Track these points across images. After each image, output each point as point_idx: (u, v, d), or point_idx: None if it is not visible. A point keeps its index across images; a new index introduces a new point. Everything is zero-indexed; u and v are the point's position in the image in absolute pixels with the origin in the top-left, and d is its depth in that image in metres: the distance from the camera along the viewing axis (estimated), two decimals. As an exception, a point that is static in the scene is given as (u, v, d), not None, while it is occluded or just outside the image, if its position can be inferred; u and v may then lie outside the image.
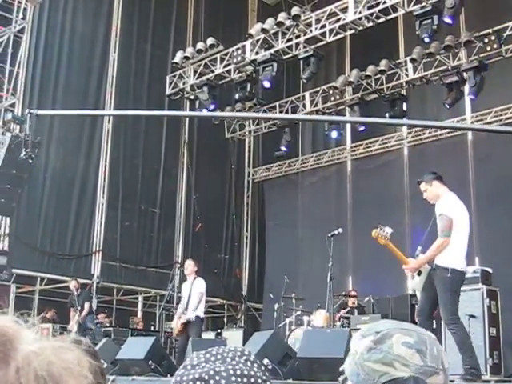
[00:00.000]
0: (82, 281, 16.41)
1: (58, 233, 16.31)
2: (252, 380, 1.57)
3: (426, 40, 13.81)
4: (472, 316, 9.17)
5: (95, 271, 16.89)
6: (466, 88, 14.95)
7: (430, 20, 13.35)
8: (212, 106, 17.40)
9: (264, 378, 1.60)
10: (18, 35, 15.70)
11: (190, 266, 11.91)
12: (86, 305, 13.99)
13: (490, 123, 15.99)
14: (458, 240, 7.21)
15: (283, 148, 18.75)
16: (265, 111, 19.20)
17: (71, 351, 1.01)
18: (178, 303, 15.01)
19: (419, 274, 7.39)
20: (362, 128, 17.46)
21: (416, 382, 1.45)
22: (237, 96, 17.27)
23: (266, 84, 15.93)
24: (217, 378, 1.54)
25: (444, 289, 7.16)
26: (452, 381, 7.24)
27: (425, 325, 7.15)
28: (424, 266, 7.31)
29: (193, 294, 11.53)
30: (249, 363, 1.60)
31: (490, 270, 10.25)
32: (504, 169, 14.84)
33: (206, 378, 1.54)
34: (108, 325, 15.80)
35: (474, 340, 8.79)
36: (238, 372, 1.56)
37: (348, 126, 18.30)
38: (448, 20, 13.23)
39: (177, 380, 1.57)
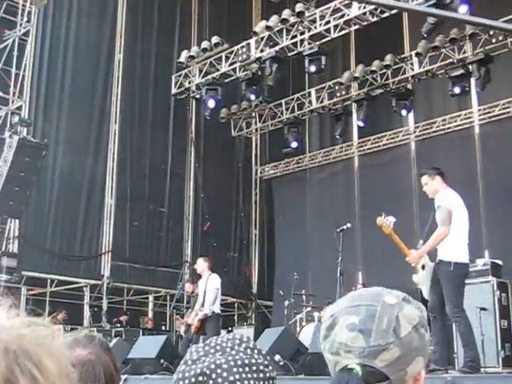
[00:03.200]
0: (92, 282, 16.50)
1: (67, 234, 16.35)
2: (254, 368, 1.57)
3: (424, 35, 13.91)
4: (483, 308, 9.15)
5: (105, 272, 16.92)
6: (473, 81, 14.93)
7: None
8: (213, 103, 17.29)
9: (266, 363, 1.60)
10: (23, 38, 15.74)
11: (200, 263, 11.95)
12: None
13: (497, 116, 15.96)
14: (458, 233, 7.31)
15: (293, 145, 18.72)
16: (271, 108, 19.20)
17: (45, 327, 1.00)
18: (188, 302, 15.05)
19: (423, 267, 7.48)
20: (360, 124, 17.51)
21: (338, 380, 1.40)
22: (243, 94, 17.28)
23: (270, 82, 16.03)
24: (218, 371, 1.54)
25: (448, 282, 7.26)
26: (449, 373, 7.26)
27: (437, 321, 7.21)
28: (427, 260, 7.39)
29: (208, 290, 11.56)
30: (249, 351, 1.60)
31: (500, 262, 10.24)
32: (512, 161, 14.80)
33: (208, 372, 1.54)
34: (119, 325, 15.87)
35: (485, 332, 8.79)
36: (239, 362, 1.56)
37: (354, 121, 18.25)
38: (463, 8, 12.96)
39: (179, 377, 1.57)
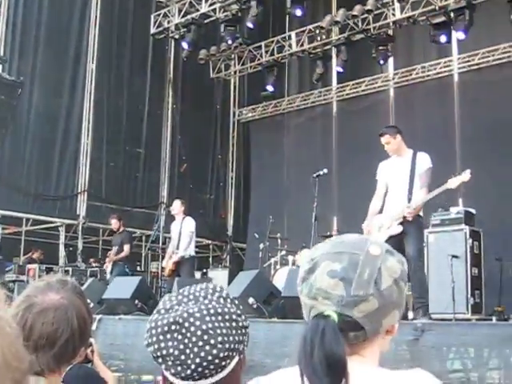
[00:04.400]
0: (67, 221, 16.47)
1: (42, 174, 16.23)
2: (226, 317, 1.59)
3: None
4: (455, 256, 9.26)
5: (81, 212, 16.89)
6: (453, 28, 14.86)
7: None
8: (186, 45, 17.21)
9: (238, 312, 1.63)
10: (-1, -28, 15.38)
11: (177, 205, 11.96)
12: (126, 247, 13.53)
13: (477, 64, 15.94)
14: None
15: (269, 88, 18.64)
16: (250, 51, 19.02)
17: None
18: (164, 243, 15.11)
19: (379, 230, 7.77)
20: (339, 69, 17.42)
21: (315, 325, 1.39)
22: (222, 35, 17.05)
23: (250, 24, 15.84)
24: (191, 319, 1.55)
25: (418, 232, 7.73)
26: (414, 319, 7.45)
27: None
28: (384, 222, 7.74)
29: (183, 233, 11.61)
30: (222, 300, 1.62)
31: (473, 211, 10.34)
32: (490, 111, 14.81)
33: (181, 320, 1.55)
34: (94, 265, 15.90)
35: (456, 280, 8.92)
36: (212, 311, 1.58)
37: (334, 66, 18.12)
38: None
39: (151, 326, 1.59)
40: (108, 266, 13.51)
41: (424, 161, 7.66)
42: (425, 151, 7.88)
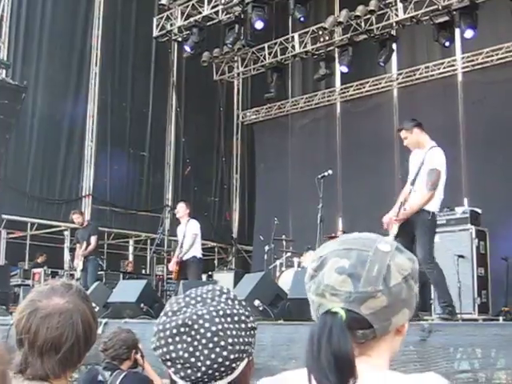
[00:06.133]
0: (72, 225, 16.45)
1: (47, 178, 16.24)
2: (236, 318, 1.57)
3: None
4: (461, 256, 9.25)
5: (85, 215, 16.86)
6: (457, 29, 14.82)
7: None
8: (188, 48, 17.24)
9: (247, 313, 1.61)
10: (1, -23, 15.39)
11: (181, 208, 11.96)
12: (93, 238, 13.09)
13: (481, 64, 15.90)
14: (440, 187, 7.29)
15: (272, 90, 18.63)
16: (253, 53, 19.00)
17: None
18: (168, 246, 15.09)
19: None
20: (344, 70, 17.34)
21: (322, 323, 1.37)
22: (225, 37, 17.01)
23: (259, 25, 15.61)
24: (200, 321, 1.53)
25: (424, 230, 7.23)
26: (426, 319, 7.33)
27: None
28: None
29: (187, 236, 11.61)
30: (230, 301, 1.60)
31: (479, 210, 10.32)
32: (495, 111, 14.77)
33: (190, 322, 1.53)
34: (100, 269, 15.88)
35: (462, 280, 8.91)
36: (221, 312, 1.56)
37: (337, 67, 18.10)
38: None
39: (159, 329, 1.56)
40: (79, 264, 13.21)
41: (430, 160, 7.38)
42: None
